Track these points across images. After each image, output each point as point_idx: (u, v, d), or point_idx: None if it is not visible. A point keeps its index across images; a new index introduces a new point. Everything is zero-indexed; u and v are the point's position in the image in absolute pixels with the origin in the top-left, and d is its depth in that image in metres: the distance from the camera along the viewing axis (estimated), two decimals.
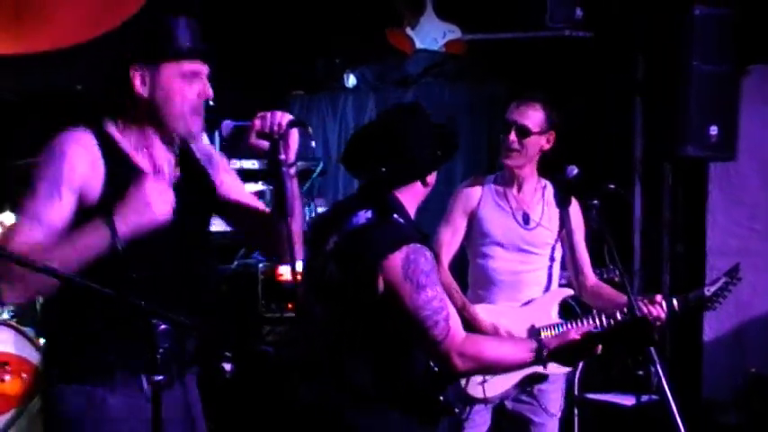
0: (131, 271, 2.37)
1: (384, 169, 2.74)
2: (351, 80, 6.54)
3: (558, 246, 3.80)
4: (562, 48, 5.31)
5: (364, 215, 2.70)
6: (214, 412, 4.56)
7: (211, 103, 5.17)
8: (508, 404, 3.70)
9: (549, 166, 3.80)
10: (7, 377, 2.39)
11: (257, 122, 2.43)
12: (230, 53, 5.95)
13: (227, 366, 5.09)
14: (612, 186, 3.51)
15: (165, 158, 2.53)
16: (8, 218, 4.38)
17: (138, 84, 2.43)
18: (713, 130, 4.85)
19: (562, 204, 3.77)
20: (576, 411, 4.83)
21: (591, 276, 3.85)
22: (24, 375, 4.10)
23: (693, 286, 3.88)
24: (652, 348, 2.94)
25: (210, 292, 2.73)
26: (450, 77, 6.31)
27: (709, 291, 3.70)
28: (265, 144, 2.43)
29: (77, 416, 2.42)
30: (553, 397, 3.74)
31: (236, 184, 2.75)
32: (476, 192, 3.82)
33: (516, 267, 3.73)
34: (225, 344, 5.05)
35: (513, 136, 3.66)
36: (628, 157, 5.51)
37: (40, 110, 4.97)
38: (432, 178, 2.85)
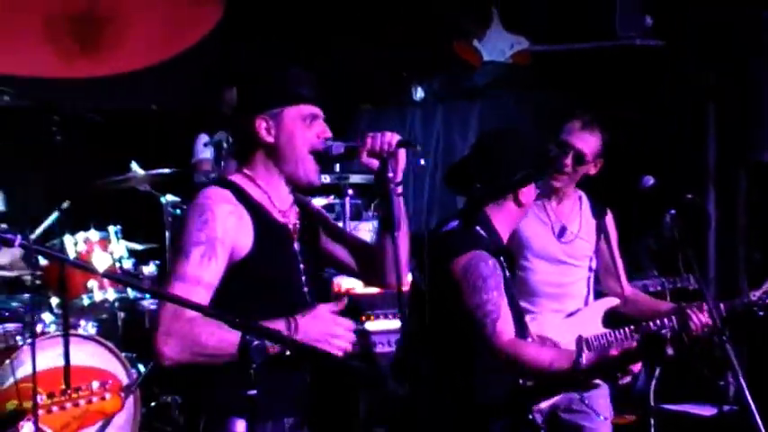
0: None
1: (478, 185, 2.96)
2: (418, 93, 6.59)
3: (594, 257, 3.79)
4: (632, 57, 5.29)
5: (451, 224, 3.01)
6: None
7: None
8: (562, 415, 3.66)
9: (624, 177, 3.78)
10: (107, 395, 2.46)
11: (368, 141, 2.50)
12: (299, 66, 6.09)
13: None
14: (690, 196, 3.50)
15: (289, 208, 2.60)
16: (93, 235, 4.52)
17: (264, 132, 2.51)
18: None
19: (598, 215, 3.79)
20: (651, 422, 4.78)
21: (627, 286, 3.85)
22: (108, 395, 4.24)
23: None
24: (733, 358, 2.97)
25: None
26: (518, 89, 6.31)
27: (754, 296, 3.63)
28: (375, 163, 2.51)
29: None
30: (602, 402, 3.69)
31: (335, 228, 2.83)
32: None
33: (558, 280, 3.73)
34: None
35: (569, 160, 3.63)
36: (701, 165, 5.45)
37: (121, 130, 5.12)
38: (525, 198, 3.02)
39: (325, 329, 2.38)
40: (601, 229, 3.78)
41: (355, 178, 5.43)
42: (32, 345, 2.20)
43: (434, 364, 2.88)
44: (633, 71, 5.37)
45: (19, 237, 2.06)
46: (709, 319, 3.45)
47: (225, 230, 2.41)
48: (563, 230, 3.73)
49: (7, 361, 3.94)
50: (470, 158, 3.09)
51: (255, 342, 2.02)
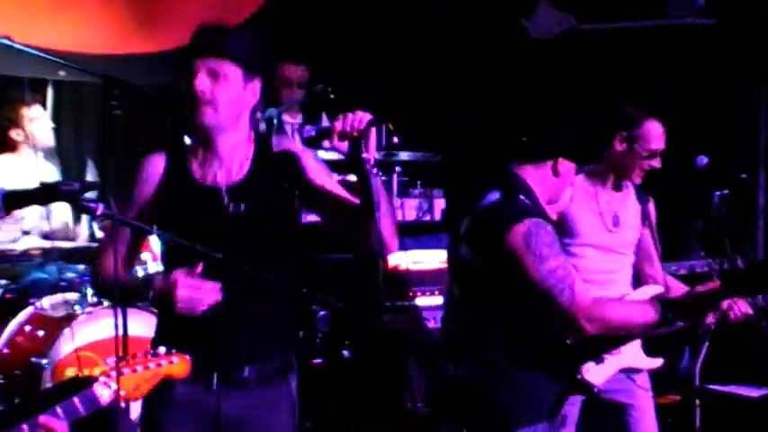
0: None
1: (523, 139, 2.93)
2: None
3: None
4: (683, 36, 5.24)
5: (492, 196, 2.93)
6: (338, 398, 4.72)
7: (331, 96, 5.26)
8: (604, 395, 3.58)
9: (677, 157, 3.77)
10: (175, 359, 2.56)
11: (337, 125, 2.48)
12: (345, 44, 6.12)
13: (346, 353, 5.23)
14: (744, 176, 3.48)
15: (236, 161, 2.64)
16: None
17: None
18: None
19: (642, 201, 3.76)
20: (697, 402, 4.78)
21: (661, 271, 3.82)
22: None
23: None
24: None
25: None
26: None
27: None
28: (344, 146, 2.48)
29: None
30: (643, 378, 3.68)
31: (323, 173, 2.75)
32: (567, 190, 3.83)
33: (606, 267, 3.69)
34: (346, 331, 5.19)
35: (657, 163, 3.61)
36: (753, 146, 5.41)
37: (173, 105, 5.17)
38: (564, 169, 2.97)
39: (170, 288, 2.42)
40: (645, 216, 3.75)
41: (403, 155, 5.47)
42: (116, 309, 2.27)
43: (490, 339, 2.88)
44: (684, 51, 5.33)
45: (101, 206, 2.15)
46: (747, 307, 3.45)
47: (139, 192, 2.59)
48: (615, 220, 3.69)
49: (66, 329, 4.06)
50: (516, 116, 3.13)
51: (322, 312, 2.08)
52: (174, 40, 5.78)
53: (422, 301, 4.81)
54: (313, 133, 2.60)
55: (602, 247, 3.68)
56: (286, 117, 5.78)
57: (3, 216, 2.30)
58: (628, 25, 5.68)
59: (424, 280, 4.85)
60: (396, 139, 3.01)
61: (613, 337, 2.99)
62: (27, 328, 4.28)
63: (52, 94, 5.56)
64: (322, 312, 2.07)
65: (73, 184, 2.18)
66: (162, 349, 2.33)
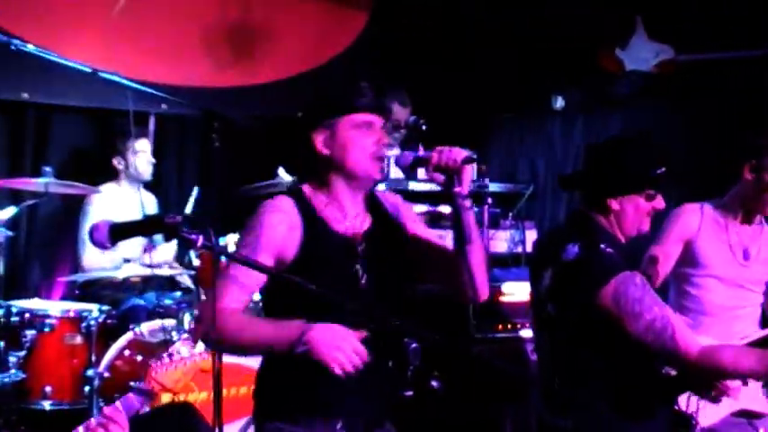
0: None
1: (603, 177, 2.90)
2: (558, 102, 6.54)
3: None
4: None
5: (572, 249, 2.84)
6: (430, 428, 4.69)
7: (423, 127, 5.34)
8: None
9: None
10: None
11: (434, 156, 2.54)
12: (439, 75, 6.16)
13: (435, 384, 5.20)
14: None
15: (359, 216, 2.72)
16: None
17: (320, 145, 2.64)
18: None
19: None
20: None
21: None
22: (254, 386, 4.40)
23: None
24: None
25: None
26: (662, 99, 6.18)
27: None
28: (441, 177, 2.56)
29: None
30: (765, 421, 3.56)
31: (425, 232, 2.85)
32: (694, 219, 3.69)
33: (732, 303, 3.60)
34: (435, 363, 5.16)
35: None
36: None
37: (268, 137, 5.29)
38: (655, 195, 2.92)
39: (332, 341, 2.40)
40: None
41: (494, 186, 5.45)
42: (215, 351, 2.38)
43: (590, 389, 2.84)
44: None
45: (201, 237, 2.21)
46: None
47: (269, 239, 2.57)
48: (746, 254, 3.60)
49: (165, 354, 4.16)
50: (590, 156, 3.07)
51: (414, 345, 2.09)
52: (271, 74, 5.94)
53: (513, 333, 4.77)
54: (410, 159, 2.63)
55: (728, 280, 3.59)
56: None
57: (109, 247, 2.38)
58: (727, 55, 5.56)
59: (516, 312, 4.80)
60: (487, 181, 3.06)
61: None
62: (126, 352, 4.40)
63: (154, 126, 5.75)
64: (414, 345, 2.08)
65: (175, 216, 2.25)
66: (197, 349, 2.47)
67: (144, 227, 2.52)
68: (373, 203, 2.79)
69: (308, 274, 2.48)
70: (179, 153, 6.02)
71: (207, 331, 2.51)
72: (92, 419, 2.24)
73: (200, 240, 2.25)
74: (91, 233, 2.35)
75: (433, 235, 2.84)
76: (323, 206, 2.68)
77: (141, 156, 5.19)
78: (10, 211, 4.44)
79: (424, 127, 5.30)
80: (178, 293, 4.97)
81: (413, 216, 2.87)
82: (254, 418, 2.76)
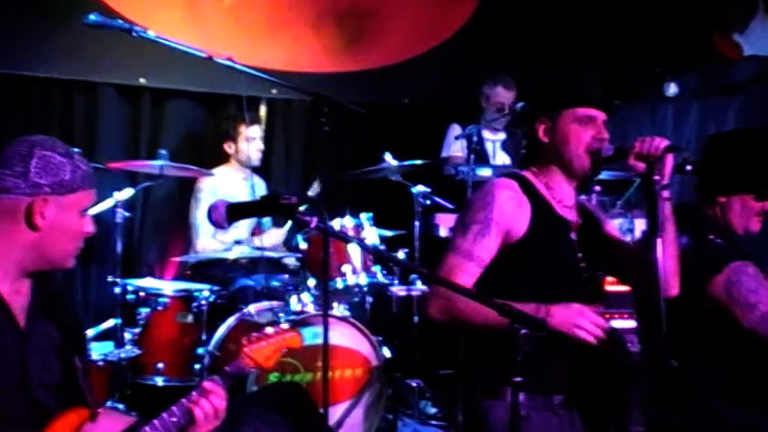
0: None
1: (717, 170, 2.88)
2: (672, 89, 6.37)
3: None
4: None
5: (681, 240, 2.80)
6: None
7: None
8: None
9: None
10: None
11: (637, 145, 2.58)
12: (546, 60, 6.07)
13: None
14: None
15: (572, 206, 2.79)
16: (348, 222, 4.74)
17: (542, 133, 2.73)
18: None
19: None
20: None
21: None
22: (359, 369, 4.44)
23: None
24: None
25: None
26: None
27: None
28: (642, 166, 2.59)
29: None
30: None
31: (612, 232, 2.91)
32: None
33: None
34: None
35: None
36: None
37: (375, 122, 5.32)
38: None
39: (573, 319, 2.48)
40: None
41: (603, 174, 5.35)
42: (325, 319, 2.44)
43: (702, 384, 2.83)
44: None
45: (315, 219, 2.27)
46: None
47: (502, 213, 2.64)
48: None
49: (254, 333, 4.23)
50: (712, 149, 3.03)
51: (523, 331, 2.09)
52: (380, 59, 5.97)
53: (618, 323, 4.67)
54: (611, 153, 2.67)
55: None
56: (486, 134, 5.82)
57: (226, 227, 2.46)
58: None
59: (621, 301, 4.70)
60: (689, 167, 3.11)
61: None
62: (235, 332, 4.51)
63: (265, 111, 5.85)
64: (524, 331, 2.08)
65: (290, 197, 2.30)
66: (284, 325, 2.67)
67: (260, 207, 2.59)
68: (581, 200, 2.89)
69: (534, 254, 2.63)
70: (287, 137, 6.11)
71: (444, 306, 2.59)
72: (193, 392, 2.37)
73: (314, 222, 2.31)
74: (209, 213, 2.41)
75: (626, 243, 2.91)
76: (545, 191, 2.75)
77: (253, 142, 5.29)
78: (127, 193, 4.58)
79: None
80: (285, 276, 5.06)
81: (603, 217, 2.94)
82: (464, 398, 2.81)
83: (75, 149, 2.31)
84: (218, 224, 2.39)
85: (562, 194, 2.75)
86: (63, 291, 2.43)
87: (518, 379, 2.17)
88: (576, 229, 2.76)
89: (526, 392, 2.44)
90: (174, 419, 2.32)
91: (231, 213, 2.36)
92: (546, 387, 2.61)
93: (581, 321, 2.47)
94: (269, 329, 2.62)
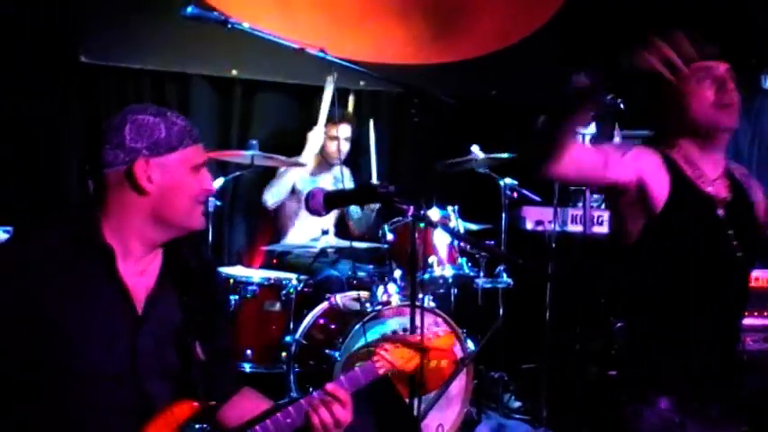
0: None
1: None
2: None
3: None
4: None
5: None
6: None
7: (621, 106, 5.17)
8: None
9: None
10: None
11: None
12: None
13: None
14: None
15: (719, 179, 2.57)
16: (434, 213, 4.74)
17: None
18: None
19: None
20: None
21: None
22: (445, 361, 4.43)
23: None
24: None
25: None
26: None
27: None
28: None
29: None
30: None
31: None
32: None
33: None
34: None
35: None
36: None
37: (463, 114, 5.29)
38: None
39: None
40: None
41: None
42: (412, 307, 2.42)
43: None
44: None
45: (412, 207, 2.27)
46: None
47: (639, 158, 2.48)
48: None
49: (357, 325, 4.27)
50: None
51: None
52: (468, 51, 5.94)
53: (748, 320, 4.53)
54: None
55: None
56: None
57: (324, 214, 2.46)
58: None
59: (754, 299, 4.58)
60: None
61: None
62: (321, 321, 4.56)
63: (353, 103, 5.89)
64: (620, 324, 2.05)
65: (388, 186, 2.31)
66: (435, 329, 2.52)
67: (357, 195, 2.59)
68: (727, 170, 2.62)
69: (674, 231, 2.44)
70: (374, 129, 6.13)
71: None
72: (314, 394, 2.23)
73: (411, 210, 2.30)
74: (307, 200, 2.43)
75: None
76: (686, 166, 2.54)
77: (337, 141, 5.33)
78: (218, 182, 4.67)
79: (621, 106, 5.14)
80: (371, 266, 5.09)
81: (758, 190, 2.67)
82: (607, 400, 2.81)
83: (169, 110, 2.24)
84: (315, 211, 2.40)
85: (705, 168, 2.53)
86: (197, 270, 2.27)
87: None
88: (723, 204, 2.53)
89: (678, 397, 2.36)
90: (289, 421, 2.19)
91: (329, 201, 2.37)
92: (704, 394, 2.47)
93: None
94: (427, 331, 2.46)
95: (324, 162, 5.49)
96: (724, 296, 2.48)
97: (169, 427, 2.11)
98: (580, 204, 5.37)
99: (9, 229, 4.01)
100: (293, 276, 4.74)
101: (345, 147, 5.37)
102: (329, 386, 2.23)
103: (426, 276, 4.70)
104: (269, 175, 5.44)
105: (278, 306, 4.66)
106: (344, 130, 5.36)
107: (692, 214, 2.48)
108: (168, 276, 2.21)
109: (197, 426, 2.13)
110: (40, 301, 2.05)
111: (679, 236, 2.44)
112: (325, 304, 4.58)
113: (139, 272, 2.17)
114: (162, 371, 2.15)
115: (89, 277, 2.12)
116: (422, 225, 4.66)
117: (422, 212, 2.37)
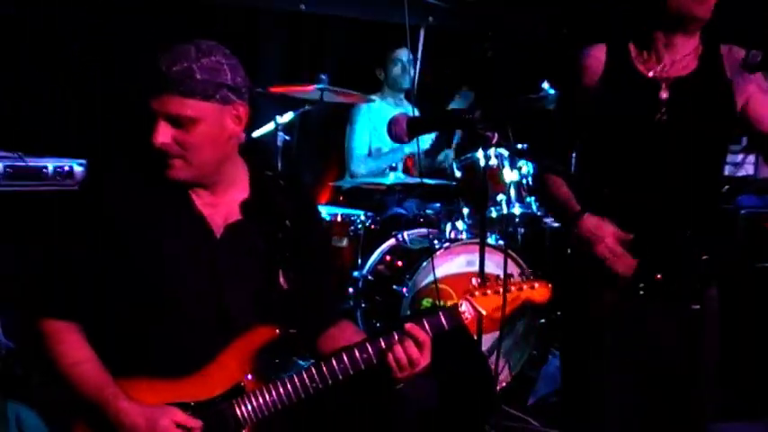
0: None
1: None
2: None
3: None
4: None
5: None
6: None
7: None
8: None
9: None
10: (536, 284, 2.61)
11: None
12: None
13: None
14: None
15: (673, 58, 2.58)
16: (504, 152, 4.68)
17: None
18: None
19: None
20: None
21: None
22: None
23: None
24: None
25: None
26: None
27: None
28: None
29: None
30: None
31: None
32: None
33: None
34: None
35: None
36: None
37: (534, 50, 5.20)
38: None
39: (598, 231, 2.56)
40: None
41: None
42: (482, 239, 2.42)
43: None
44: None
45: (496, 135, 2.23)
46: None
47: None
48: None
49: (425, 262, 4.27)
50: None
51: None
52: None
53: None
54: (759, 59, 2.46)
55: None
56: None
57: (407, 141, 2.43)
58: None
59: None
60: None
61: None
62: (388, 257, 4.57)
63: (422, 39, 5.80)
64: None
65: (474, 112, 2.27)
66: (528, 277, 2.41)
67: (442, 121, 2.54)
68: (709, 54, 2.59)
69: (604, 109, 2.54)
70: (443, 66, 6.05)
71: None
72: (394, 333, 2.22)
73: (495, 137, 2.27)
74: (389, 126, 2.39)
75: None
76: (637, 56, 2.61)
77: (399, 65, 5.29)
78: (288, 116, 4.67)
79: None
80: (437, 204, 5.06)
81: (761, 83, 2.58)
82: None
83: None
84: (398, 138, 2.36)
85: (663, 53, 2.57)
86: (288, 207, 2.33)
87: None
88: (669, 85, 2.54)
89: None
90: (366, 356, 2.21)
91: (412, 127, 2.33)
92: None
93: (607, 239, 2.47)
94: (519, 278, 2.40)
95: (391, 96, 5.46)
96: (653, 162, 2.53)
97: (247, 348, 2.21)
98: None
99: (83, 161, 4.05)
100: (361, 213, 4.74)
101: (402, 67, 5.33)
102: (408, 325, 2.21)
103: (495, 215, 4.67)
104: (341, 111, 5.43)
105: (345, 242, 4.67)
106: (402, 53, 5.32)
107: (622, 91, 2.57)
108: (252, 208, 2.28)
109: (273, 352, 2.21)
110: (128, 230, 2.18)
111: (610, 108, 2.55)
112: (391, 241, 4.59)
113: (213, 202, 2.27)
114: (244, 295, 2.23)
115: (166, 206, 2.23)
116: (506, 155, 4.63)
117: (510, 137, 2.33)
